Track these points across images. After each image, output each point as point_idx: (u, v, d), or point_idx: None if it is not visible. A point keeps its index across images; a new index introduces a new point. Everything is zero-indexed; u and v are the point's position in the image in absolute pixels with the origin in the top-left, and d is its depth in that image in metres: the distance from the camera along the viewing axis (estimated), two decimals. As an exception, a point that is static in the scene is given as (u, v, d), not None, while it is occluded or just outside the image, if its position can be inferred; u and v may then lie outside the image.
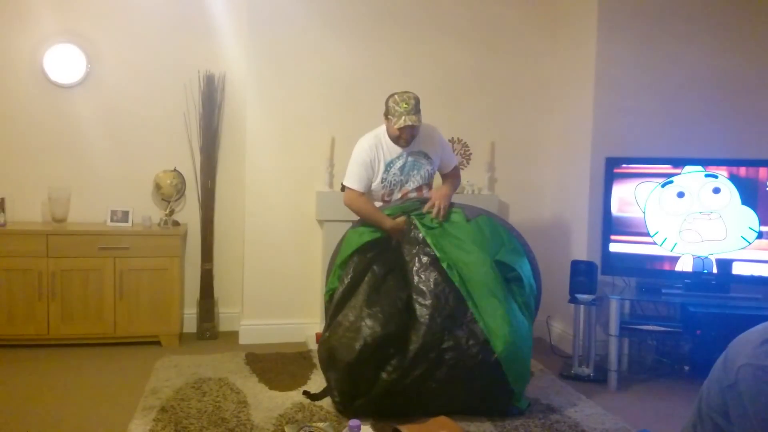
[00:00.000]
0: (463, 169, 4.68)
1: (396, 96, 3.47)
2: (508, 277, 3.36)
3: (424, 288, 3.26)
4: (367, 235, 3.48)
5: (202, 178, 4.63)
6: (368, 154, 3.58)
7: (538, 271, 3.59)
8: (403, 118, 3.41)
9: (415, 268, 3.33)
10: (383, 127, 3.63)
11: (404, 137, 3.52)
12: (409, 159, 3.61)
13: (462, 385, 3.15)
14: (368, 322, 3.13)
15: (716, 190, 3.94)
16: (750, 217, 3.89)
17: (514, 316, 3.22)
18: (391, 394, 3.11)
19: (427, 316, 3.17)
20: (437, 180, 3.82)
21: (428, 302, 3.21)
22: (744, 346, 1.55)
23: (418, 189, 3.67)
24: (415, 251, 3.37)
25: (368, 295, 3.24)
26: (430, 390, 3.12)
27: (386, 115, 3.53)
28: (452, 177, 3.83)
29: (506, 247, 3.45)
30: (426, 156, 3.65)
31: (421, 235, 3.39)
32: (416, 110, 3.45)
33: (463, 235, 3.39)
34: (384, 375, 3.10)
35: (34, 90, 4.44)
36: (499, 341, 3.11)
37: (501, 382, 3.16)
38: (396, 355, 3.11)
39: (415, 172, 3.64)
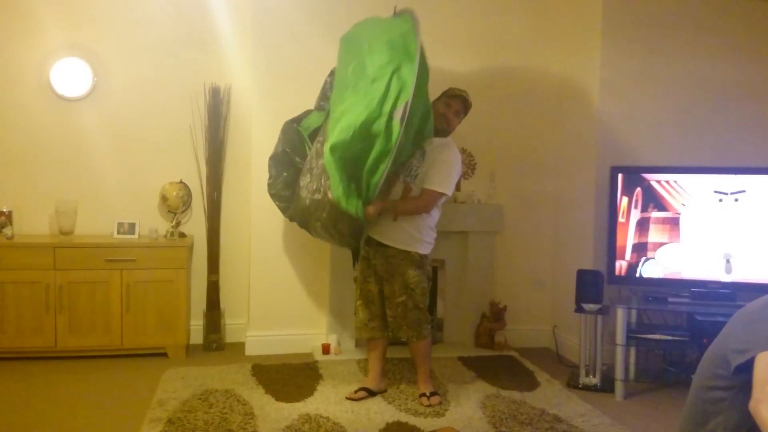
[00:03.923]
0: (467, 179, 4.70)
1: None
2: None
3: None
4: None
5: (208, 190, 4.65)
6: None
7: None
8: (461, 90, 3.74)
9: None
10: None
11: (447, 113, 3.67)
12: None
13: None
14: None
15: (723, 200, 3.94)
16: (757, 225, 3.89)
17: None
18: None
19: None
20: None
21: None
22: (758, 303, 1.70)
23: (405, 184, 3.64)
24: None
25: None
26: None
27: (440, 96, 3.73)
28: (417, 196, 3.62)
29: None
30: (422, 154, 3.64)
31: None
32: (469, 103, 3.76)
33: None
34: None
35: (41, 103, 4.48)
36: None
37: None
38: None
39: (413, 160, 3.65)
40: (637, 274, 4.08)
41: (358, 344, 4.53)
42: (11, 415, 3.32)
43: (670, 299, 3.97)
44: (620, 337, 3.81)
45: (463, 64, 4.72)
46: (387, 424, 3.26)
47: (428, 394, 3.59)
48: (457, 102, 3.72)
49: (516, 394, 3.75)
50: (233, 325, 4.77)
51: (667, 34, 4.41)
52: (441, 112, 3.66)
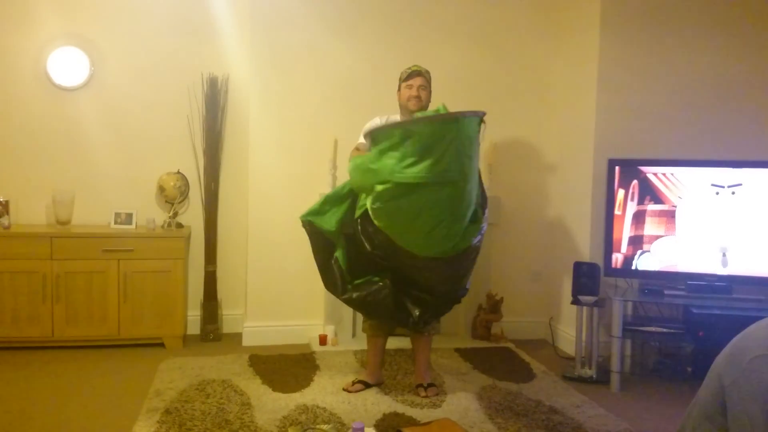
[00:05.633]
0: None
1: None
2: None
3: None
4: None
5: (206, 180, 4.64)
6: (371, 124, 3.58)
7: None
8: (411, 66, 3.63)
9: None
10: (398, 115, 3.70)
11: (413, 94, 3.58)
12: None
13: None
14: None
15: (719, 192, 3.95)
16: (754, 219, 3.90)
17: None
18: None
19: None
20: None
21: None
22: (754, 340, 1.50)
23: None
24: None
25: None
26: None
27: (399, 85, 3.66)
28: None
29: None
30: None
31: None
32: (425, 72, 3.64)
33: None
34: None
35: (38, 93, 4.46)
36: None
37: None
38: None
39: None
40: (634, 267, 4.09)
41: (355, 335, 4.54)
42: (8, 404, 3.33)
43: (666, 292, 3.99)
44: (616, 329, 3.83)
45: (460, 56, 4.72)
46: (384, 414, 3.28)
47: (425, 386, 3.60)
48: (416, 78, 3.62)
49: (512, 386, 3.76)
50: (230, 316, 4.77)
51: (665, 27, 4.40)
52: (408, 95, 3.59)
